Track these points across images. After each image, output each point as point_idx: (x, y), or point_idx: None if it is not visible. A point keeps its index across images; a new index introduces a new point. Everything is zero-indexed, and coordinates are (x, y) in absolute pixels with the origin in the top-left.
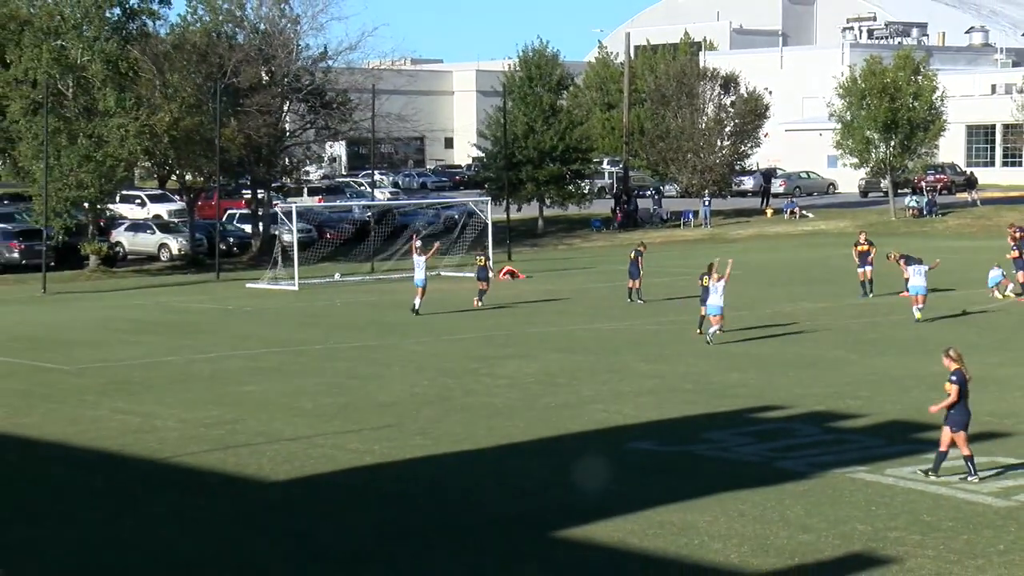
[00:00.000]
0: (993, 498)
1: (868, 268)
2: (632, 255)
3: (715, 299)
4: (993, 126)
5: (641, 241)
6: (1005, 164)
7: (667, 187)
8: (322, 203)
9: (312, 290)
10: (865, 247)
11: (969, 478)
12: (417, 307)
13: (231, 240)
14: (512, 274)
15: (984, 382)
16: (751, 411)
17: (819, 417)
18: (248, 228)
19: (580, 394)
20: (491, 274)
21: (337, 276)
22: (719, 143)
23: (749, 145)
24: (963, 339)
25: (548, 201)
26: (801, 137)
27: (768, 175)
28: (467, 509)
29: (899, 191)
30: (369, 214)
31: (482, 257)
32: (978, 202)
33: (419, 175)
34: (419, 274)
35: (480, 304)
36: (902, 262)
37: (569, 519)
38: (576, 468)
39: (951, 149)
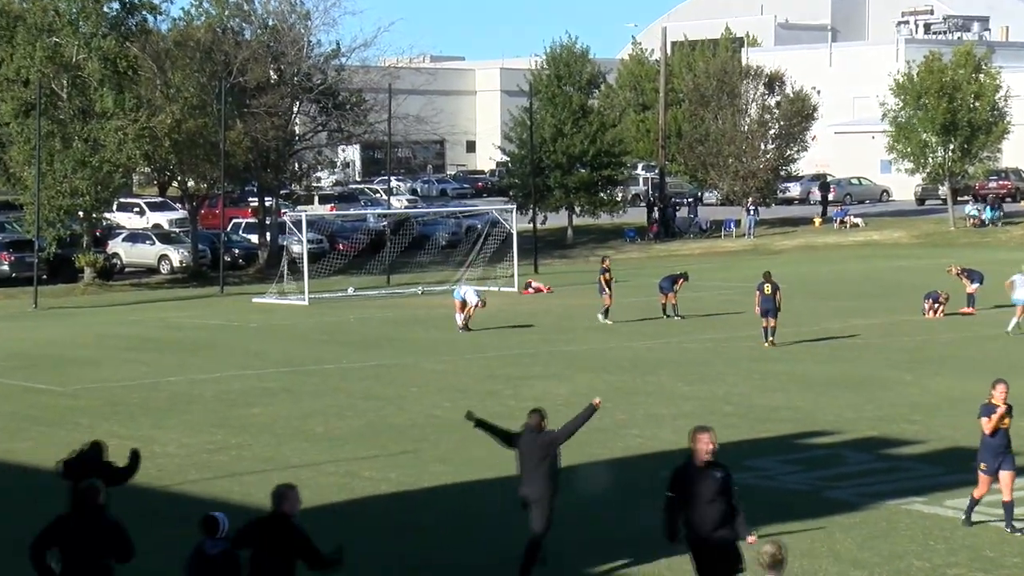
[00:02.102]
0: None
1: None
2: (673, 274)
3: (1020, 293)
4: None
5: (686, 273)
6: None
7: (707, 194)
8: (334, 212)
9: (323, 305)
10: None
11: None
12: (459, 323)
13: (236, 251)
14: (533, 287)
15: None
16: (797, 436)
17: (871, 443)
18: (255, 238)
19: (613, 417)
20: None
21: (350, 290)
22: (763, 147)
23: (795, 149)
24: None
25: (578, 209)
26: (852, 140)
27: (825, 183)
28: (489, 542)
29: (958, 199)
30: (385, 223)
31: (607, 271)
32: None
33: (439, 181)
34: (458, 288)
35: (605, 320)
36: (963, 276)
37: (601, 554)
38: (609, 498)
39: (1015, 153)
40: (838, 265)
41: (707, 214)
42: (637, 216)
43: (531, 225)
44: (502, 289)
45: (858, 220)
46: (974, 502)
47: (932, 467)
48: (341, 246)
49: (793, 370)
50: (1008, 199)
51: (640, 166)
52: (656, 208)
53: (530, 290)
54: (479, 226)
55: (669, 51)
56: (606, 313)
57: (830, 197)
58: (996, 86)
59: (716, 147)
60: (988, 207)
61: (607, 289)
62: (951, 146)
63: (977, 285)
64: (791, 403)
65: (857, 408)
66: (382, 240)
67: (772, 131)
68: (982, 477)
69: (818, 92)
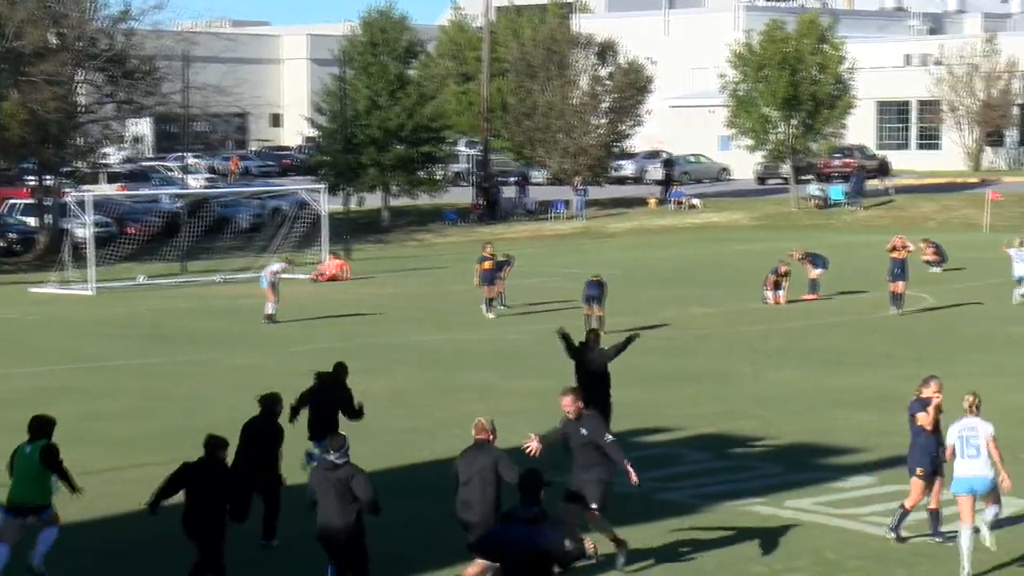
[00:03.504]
0: (904, 531)
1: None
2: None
3: (1020, 268)
4: (907, 103)
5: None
6: (921, 147)
7: (535, 172)
8: (123, 191)
9: (111, 295)
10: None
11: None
12: (268, 311)
13: (11, 236)
14: (329, 267)
15: (904, 399)
16: (631, 434)
17: (710, 440)
18: (32, 221)
19: (433, 416)
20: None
21: (141, 278)
22: (594, 121)
23: (629, 124)
24: (876, 350)
25: (394, 189)
26: (689, 115)
27: (670, 160)
28: (300, 555)
29: (801, 177)
30: (180, 205)
31: (488, 257)
32: (891, 190)
33: (241, 158)
34: (264, 274)
35: (488, 313)
36: (807, 260)
37: (411, 568)
38: (426, 506)
39: (861, 129)
40: (675, 249)
41: (535, 194)
42: (459, 196)
43: (343, 207)
44: (312, 277)
45: (695, 201)
46: (905, 512)
47: (773, 465)
48: (131, 230)
49: (627, 362)
50: (852, 177)
51: (462, 142)
52: (480, 188)
53: (324, 270)
54: (285, 208)
55: (493, 17)
56: (489, 304)
57: (659, 175)
58: (840, 58)
59: (544, 121)
60: (838, 187)
61: (489, 277)
62: (793, 121)
63: (821, 270)
64: (624, 398)
65: (695, 403)
66: (177, 223)
67: (604, 104)
68: (917, 483)
69: (653, 63)
